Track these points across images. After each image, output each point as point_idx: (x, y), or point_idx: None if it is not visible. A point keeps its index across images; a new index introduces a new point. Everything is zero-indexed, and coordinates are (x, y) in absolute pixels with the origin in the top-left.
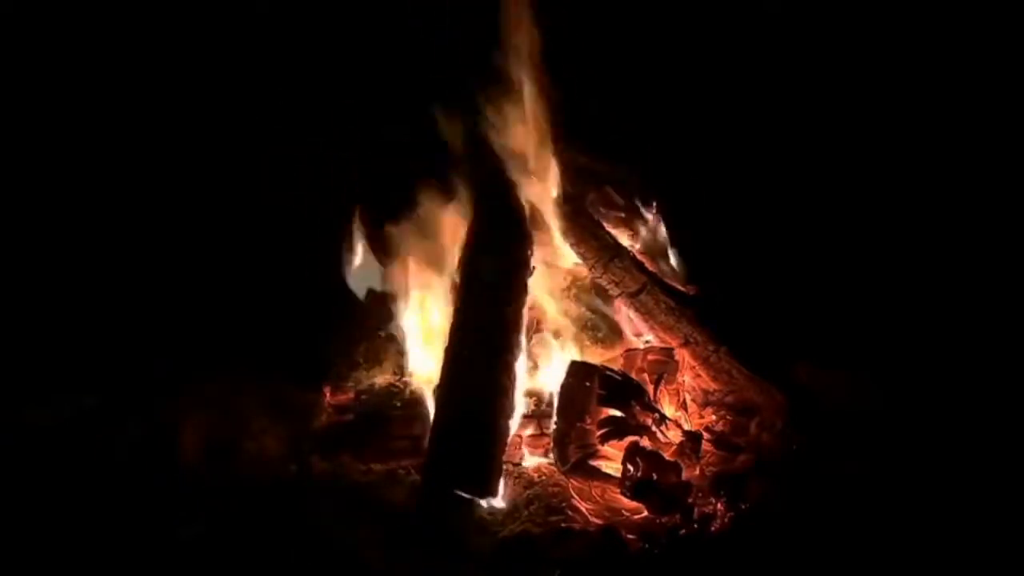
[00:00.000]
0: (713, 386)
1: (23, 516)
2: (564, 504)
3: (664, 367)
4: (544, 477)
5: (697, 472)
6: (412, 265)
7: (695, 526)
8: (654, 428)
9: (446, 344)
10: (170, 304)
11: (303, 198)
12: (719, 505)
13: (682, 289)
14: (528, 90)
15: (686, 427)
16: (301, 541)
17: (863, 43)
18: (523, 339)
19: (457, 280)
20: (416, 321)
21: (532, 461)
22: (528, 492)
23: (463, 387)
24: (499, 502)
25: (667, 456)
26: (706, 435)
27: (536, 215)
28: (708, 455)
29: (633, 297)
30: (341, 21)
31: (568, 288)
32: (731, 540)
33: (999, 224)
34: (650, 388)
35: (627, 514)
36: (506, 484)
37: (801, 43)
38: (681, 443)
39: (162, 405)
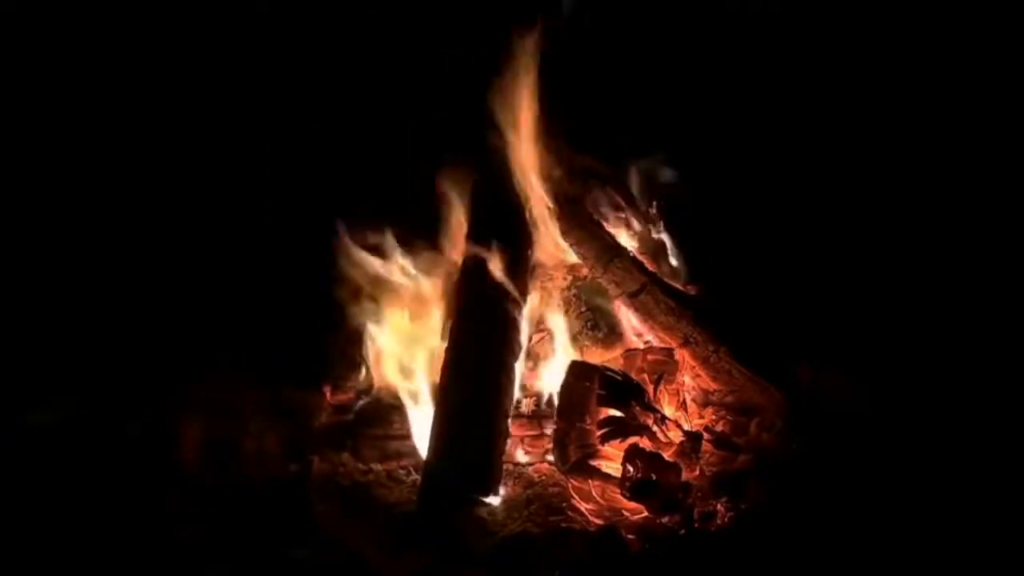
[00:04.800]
0: (713, 386)
1: (23, 516)
2: (564, 504)
3: (664, 367)
4: (544, 477)
5: (697, 472)
6: (412, 266)
7: (695, 526)
8: (654, 428)
9: (446, 344)
10: (170, 304)
11: (303, 198)
12: (719, 505)
13: (682, 289)
14: (529, 91)
15: (686, 427)
16: (301, 541)
17: (863, 43)
18: (523, 339)
19: (458, 281)
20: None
21: (532, 461)
22: (528, 492)
23: (463, 387)
24: (499, 502)
25: (667, 456)
26: (706, 435)
27: (536, 215)
28: (708, 455)
29: (633, 297)
30: (342, 22)
31: (568, 288)
32: (731, 540)
33: (998, 223)
34: (650, 388)
35: (627, 514)
36: (506, 484)
37: (801, 43)
38: (681, 443)
39: (162, 405)
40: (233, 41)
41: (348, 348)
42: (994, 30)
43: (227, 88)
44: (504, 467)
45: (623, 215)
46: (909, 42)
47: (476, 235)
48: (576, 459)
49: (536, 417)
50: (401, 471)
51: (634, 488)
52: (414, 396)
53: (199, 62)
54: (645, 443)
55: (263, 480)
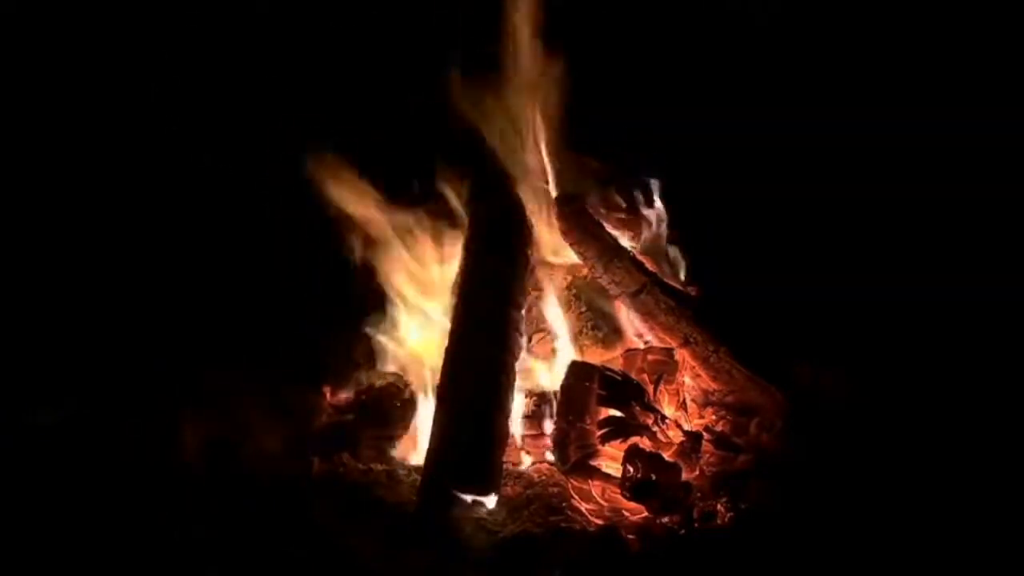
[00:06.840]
0: (713, 386)
1: (23, 516)
2: (564, 504)
3: (664, 367)
4: (544, 477)
5: (697, 472)
6: (412, 266)
7: (695, 526)
8: (654, 428)
9: (446, 344)
10: (170, 304)
11: (303, 197)
12: (719, 505)
13: (682, 289)
14: (529, 90)
15: (686, 427)
16: (301, 541)
17: (863, 43)
18: (523, 339)
19: (457, 281)
20: (416, 321)
21: (531, 461)
22: (528, 492)
23: (463, 387)
24: (498, 502)
25: (667, 456)
26: (706, 435)
27: (536, 215)
28: (708, 455)
29: (633, 297)
30: (342, 20)
31: (568, 288)
32: (731, 540)
33: (997, 224)
34: (650, 388)
35: (627, 514)
36: (506, 484)
37: (800, 44)
38: (681, 443)
39: (162, 405)
40: (233, 41)
41: (348, 348)
42: (994, 31)
43: (228, 87)
44: (504, 467)
45: (623, 215)
46: (909, 43)
47: (475, 235)
48: (576, 459)
49: (536, 417)
50: (401, 471)
51: (634, 488)
52: (415, 396)
53: (198, 61)
54: (645, 443)
55: (263, 480)
